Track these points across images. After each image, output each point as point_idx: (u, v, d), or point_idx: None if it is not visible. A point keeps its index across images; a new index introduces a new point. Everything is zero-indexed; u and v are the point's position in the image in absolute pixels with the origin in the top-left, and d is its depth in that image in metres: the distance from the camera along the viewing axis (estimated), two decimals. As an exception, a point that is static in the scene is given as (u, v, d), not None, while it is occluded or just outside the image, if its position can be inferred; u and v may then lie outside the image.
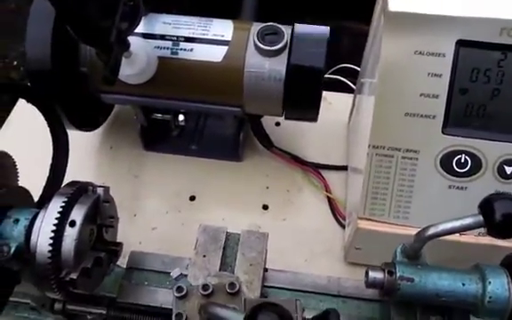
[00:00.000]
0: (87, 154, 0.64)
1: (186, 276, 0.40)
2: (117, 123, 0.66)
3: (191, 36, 0.51)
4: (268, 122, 0.67)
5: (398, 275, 0.37)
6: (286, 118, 0.55)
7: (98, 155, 0.64)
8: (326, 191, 0.60)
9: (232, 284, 0.36)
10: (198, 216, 0.59)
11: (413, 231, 0.44)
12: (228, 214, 0.58)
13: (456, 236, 0.46)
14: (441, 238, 0.45)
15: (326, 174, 0.62)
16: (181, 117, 0.59)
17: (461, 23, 0.43)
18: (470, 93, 0.45)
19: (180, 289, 0.36)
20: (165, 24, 0.51)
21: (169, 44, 0.50)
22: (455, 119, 0.46)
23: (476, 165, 0.46)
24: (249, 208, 0.60)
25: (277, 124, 0.67)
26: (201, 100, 0.53)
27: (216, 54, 0.50)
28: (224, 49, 0.50)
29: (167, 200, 0.60)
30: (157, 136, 0.63)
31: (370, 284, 0.38)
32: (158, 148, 0.63)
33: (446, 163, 0.46)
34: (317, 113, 0.53)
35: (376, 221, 0.48)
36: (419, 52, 0.45)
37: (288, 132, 0.66)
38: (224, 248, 0.45)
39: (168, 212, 0.59)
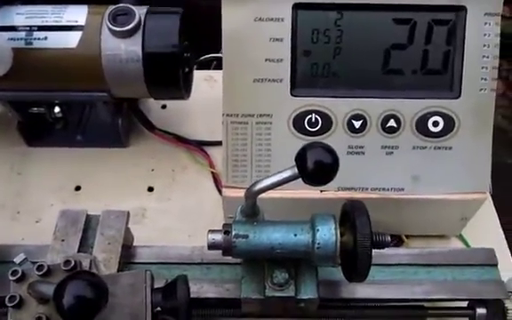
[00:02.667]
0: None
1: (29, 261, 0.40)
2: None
3: (44, 24, 0.50)
4: (154, 105, 0.67)
5: (234, 233, 0.39)
6: (155, 98, 0.55)
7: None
8: (210, 167, 0.61)
9: (67, 262, 0.36)
10: (84, 205, 0.58)
11: (276, 194, 0.46)
12: (113, 200, 0.58)
13: (316, 193, 0.48)
14: (298, 197, 0.48)
15: (211, 150, 0.63)
16: (57, 109, 0.59)
17: (295, -13, 0.44)
18: (313, 54, 0.47)
19: (14, 272, 0.36)
20: (19, 15, 0.51)
21: (22, 34, 0.50)
22: (302, 81, 0.47)
23: (327, 123, 0.47)
24: (134, 192, 0.60)
25: (163, 106, 0.68)
26: (64, 88, 0.53)
27: (71, 40, 0.50)
28: (78, 34, 0.50)
29: (52, 193, 0.60)
30: (39, 131, 0.62)
31: (210, 245, 0.39)
32: (42, 143, 0.63)
33: (299, 123, 0.48)
34: (185, 91, 0.54)
35: (239, 188, 0.49)
36: (258, 19, 0.46)
37: (174, 113, 0.67)
38: (85, 230, 0.46)
39: (53, 204, 0.59)
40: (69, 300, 0.30)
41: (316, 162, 0.35)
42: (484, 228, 0.55)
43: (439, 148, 0.48)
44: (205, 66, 0.74)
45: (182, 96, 0.54)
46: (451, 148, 0.48)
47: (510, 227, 0.58)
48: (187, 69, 0.56)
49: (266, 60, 0.46)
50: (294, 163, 0.48)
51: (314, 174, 0.35)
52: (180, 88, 0.53)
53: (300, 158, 0.35)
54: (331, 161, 0.35)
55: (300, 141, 0.48)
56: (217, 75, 0.70)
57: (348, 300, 0.44)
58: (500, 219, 0.58)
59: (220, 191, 0.60)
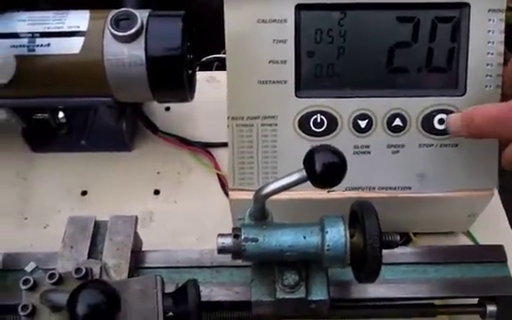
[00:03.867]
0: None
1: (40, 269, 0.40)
2: (1, 128, 0.65)
3: (46, 30, 0.50)
4: (157, 108, 0.67)
5: (243, 236, 0.39)
6: (159, 101, 0.55)
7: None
8: (216, 169, 0.61)
9: (78, 270, 0.37)
10: (91, 210, 0.58)
11: (284, 196, 0.46)
12: (120, 204, 0.59)
13: (324, 194, 0.48)
14: (306, 198, 0.48)
15: (216, 152, 0.63)
16: (61, 114, 0.58)
17: (297, -13, 0.44)
18: (317, 55, 0.47)
19: (26, 281, 0.36)
20: (20, 21, 0.51)
21: (25, 41, 0.50)
22: (306, 82, 0.47)
23: (333, 123, 0.47)
24: (140, 195, 0.60)
25: (167, 108, 0.68)
26: (67, 94, 0.53)
27: (73, 46, 0.50)
28: (81, 40, 0.50)
29: (58, 198, 0.60)
30: (44, 136, 0.62)
31: (220, 249, 0.39)
32: (47, 148, 0.63)
33: (304, 124, 0.48)
34: (189, 93, 0.54)
35: (247, 190, 0.49)
36: (261, 20, 0.46)
37: (178, 115, 0.67)
38: (94, 236, 0.46)
39: (60, 210, 0.59)
40: (83, 309, 0.30)
41: (325, 165, 0.35)
42: (492, 225, 0.55)
43: (445, 145, 0.48)
44: (207, 67, 0.74)
45: (186, 98, 0.54)
46: (457, 146, 0.48)
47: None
48: (190, 71, 0.56)
49: (270, 61, 0.46)
50: (301, 164, 0.49)
51: (322, 177, 0.35)
52: (185, 90, 0.53)
53: (308, 161, 0.35)
54: (339, 163, 0.35)
55: (306, 142, 0.48)
56: (219, 75, 0.70)
57: (358, 300, 0.44)
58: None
59: (226, 193, 0.60)
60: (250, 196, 0.49)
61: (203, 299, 0.40)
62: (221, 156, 0.62)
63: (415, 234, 0.54)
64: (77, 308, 0.30)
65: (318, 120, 0.47)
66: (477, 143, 0.47)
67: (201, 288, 0.40)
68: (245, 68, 0.46)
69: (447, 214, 0.51)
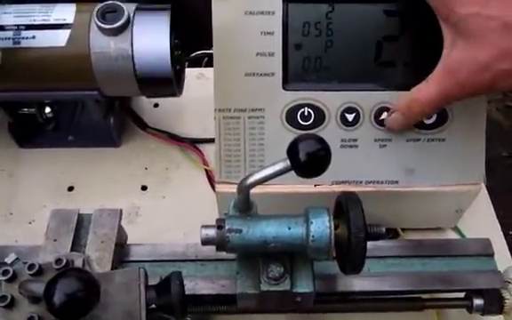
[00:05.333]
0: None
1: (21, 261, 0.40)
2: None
3: (32, 23, 0.50)
4: (146, 104, 0.67)
5: (227, 227, 0.38)
6: (146, 96, 0.55)
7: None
8: (204, 164, 0.61)
9: (59, 260, 0.36)
10: (77, 206, 0.58)
11: (271, 189, 0.46)
12: (107, 200, 0.58)
13: (311, 188, 0.47)
14: (292, 192, 0.47)
15: (204, 148, 0.62)
16: (48, 109, 0.58)
17: (286, -21, 0.44)
18: (305, 48, 0.47)
19: (5, 272, 0.36)
20: (6, 14, 0.51)
21: (10, 33, 0.50)
22: (294, 74, 0.47)
23: (320, 117, 0.47)
24: (128, 191, 0.60)
25: (156, 105, 0.67)
26: (53, 87, 0.52)
27: (59, 39, 0.50)
28: (67, 33, 0.50)
29: (44, 194, 0.59)
30: (31, 132, 0.62)
31: (204, 241, 0.39)
32: (33, 144, 0.62)
33: (291, 117, 0.47)
34: (176, 88, 0.53)
35: (233, 184, 0.48)
36: (249, 12, 0.46)
37: (166, 111, 0.66)
38: (77, 229, 0.45)
39: (46, 205, 0.58)
40: (60, 298, 0.30)
41: (308, 153, 0.34)
42: (479, 220, 0.55)
43: (432, 139, 0.47)
44: (196, 63, 0.73)
45: (174, 93, 0.54)
46: (444, 140, 0.47)
47: (505, 220, 0.58)
48: (178, 67, 0.55)
49: (257, 54, 0.46)
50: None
51: (306, 166, 0.34)
52: (172, 85, 0.52)
53: (292, 150, 0.35)
54: (322, 152, 0.34)
55: (293, 135, 0.46)
56: (208, 72, 0.70)
57: (344, 293, 0.43)
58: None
59: (214, 188, 0.59)
60: (235, 189, 0.49)
61: (187, 292, 0.40)
62: (210, 151, 0.62)
63: (403, 229, 0.54)
64: (54, 296, 0.29)
65: (306, 113, 0.47)
66: (464, 138, 0.48)
67: (185, 281, 0.40)
68: (232, 60, 0.46)
69: (434, 209, 0.51)
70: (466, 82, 0.39)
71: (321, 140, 0.35)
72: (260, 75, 0.46)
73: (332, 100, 0.47)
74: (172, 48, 0.51)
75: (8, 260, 0.37)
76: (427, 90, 0.42)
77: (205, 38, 0.62)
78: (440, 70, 0.41)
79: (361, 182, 0.48)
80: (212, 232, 0.39)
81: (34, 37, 0.50)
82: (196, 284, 0.44)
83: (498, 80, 0.38)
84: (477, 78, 0.39)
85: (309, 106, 0.47)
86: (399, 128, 0.46)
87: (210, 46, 0.73)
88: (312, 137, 0.35)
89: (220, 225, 0.38)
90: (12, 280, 0.36)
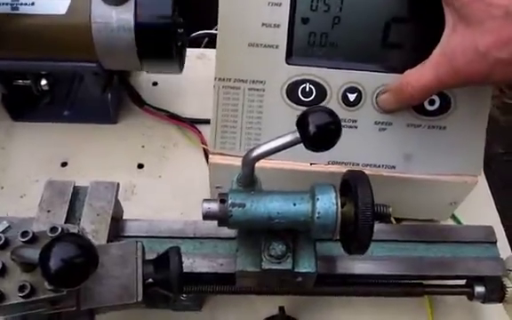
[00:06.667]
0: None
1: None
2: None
3: (31, -12, 0.48)
4: (144, 82, 0.66)
5: (230, 201, 0.37)
6: (147, 71, 0.53)
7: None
8: (202, 143, 0.60)
9: (53, 228, 0.35)
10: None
11: (266, 164, 0.44)
12: (101, 176, 0.56)
13: (306, 166, 0.46)
14: (288, 168, 0.46)
15: (203, 128, 0.61)
16: (44, 82, 0.56)
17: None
18: (312, 22, 0.45)
19: (-4, 239, 0.34)
20: (4, -21, 0.49)
21: (8, -1, 0.48)
22: (298, 49, 0.46)
23: (321, 94, 0.46)
24: (123, 168, 0.58)
25: (155, 83, 0.66)
26: (51, 57, 0.50)
27: (59, 7, 0.48)
28: (67, 0, 0.48)
29: (37, 168, 0.58)
30: (25, 105, 0.60)
31: (205, 215, 0.38)
32: (28, 118, 0.61)
33: (292, 92, 0.46)
34: (177, 64, 0.52)
35: (228, 155, 0.47)
36: (257, -20, 0.44)
37: (165, 90, 0.65)
38: (72, 201, 0.44)
39: (38, 180, 0.57)
40: (56, 263, 0.28)
41: (318, 126, 0.33)
42: (479, 211, 0.54)
43: (433, 126, 0.47)
44: (197, 44, 0.72)
45: (175, 69, 0.52)
46: (445, 128, 0.47)
47: (501, 216, 0.58)
48: (180, 43, 0.54)
49: (262, 24, 0.45)
50: (285, 132, 0.48)
51: (316, 139, 0.33)
52: (173, 60, 0.51)
53: (302, 122, 0.34)
54: (333, 126, 0.33)
55: (293, 111, 0.46)
56: (210, 53, 0.68)
57: (346, 275, 0.43)
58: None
59: (210, 164, 0.58)
60: (230, 161, 0.47)
61: (185, 270, 0.38)
62: (208, 131, 0.60)
63: (397, 219, 0.53)
64: (50, 261, 0.28)
65: (307, 89, 0.46)
66: (466, 128, 0.47)
67: (183, 259, 0.38)
68: (237, 29, 0.45)
69: (429, 199, 0.50)
70: (461, 69, 0.38)
71: (332, 114, 0.34)
72: (264, 46, 0.45)
73: (335, 78, 0.46)
74: (175, 23, 0.50)
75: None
76: (421, 73, 0.41)
77: (207, 19, 0.61)
78: (436, 54, 0.40)
79: (358, 164, 0.47)
80: (214, 206, 0.37)
81: (33, 4, 0.48)
82: (194, 262, 0.43)
83: (494, 70, 0.37)
84: (474, 66, 0.38)
85: (311, 82, 0.46)
86: (390, 109, 0.45)
87: (211, 27, 0.72)
88: (323, 109, 0.34)
89: (222, 199, 0.37)
90: (3, 247, 0.34)
